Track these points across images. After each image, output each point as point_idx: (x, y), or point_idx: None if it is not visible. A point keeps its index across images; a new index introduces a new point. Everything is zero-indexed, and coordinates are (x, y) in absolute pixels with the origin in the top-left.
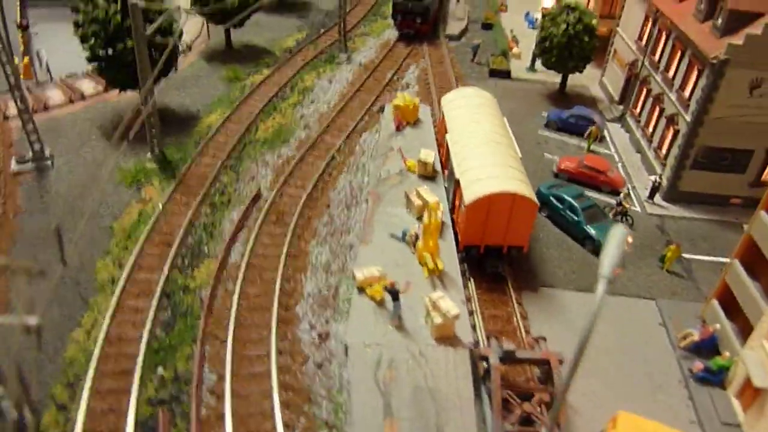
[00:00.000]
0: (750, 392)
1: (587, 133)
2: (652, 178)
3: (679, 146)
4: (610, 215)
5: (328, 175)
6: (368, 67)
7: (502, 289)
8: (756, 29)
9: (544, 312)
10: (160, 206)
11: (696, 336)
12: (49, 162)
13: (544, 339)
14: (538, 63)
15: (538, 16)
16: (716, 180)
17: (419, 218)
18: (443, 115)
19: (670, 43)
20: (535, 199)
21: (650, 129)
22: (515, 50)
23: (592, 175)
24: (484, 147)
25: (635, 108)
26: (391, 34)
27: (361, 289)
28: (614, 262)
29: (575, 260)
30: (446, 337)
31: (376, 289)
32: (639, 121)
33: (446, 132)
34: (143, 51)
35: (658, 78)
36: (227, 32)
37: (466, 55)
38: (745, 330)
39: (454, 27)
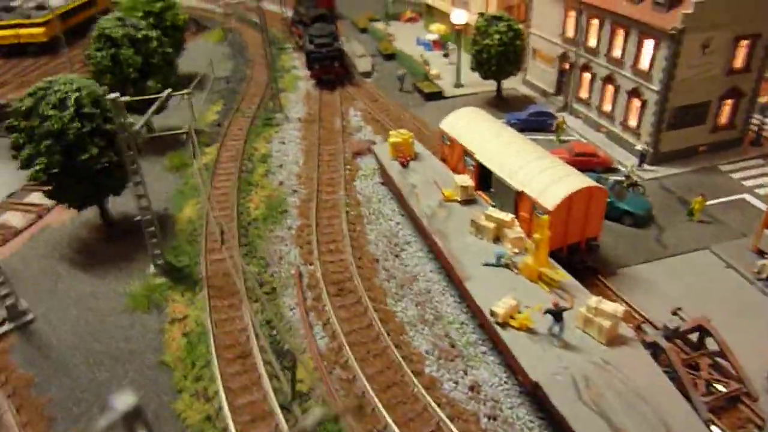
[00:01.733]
0: None
1: (555, 125)
2: (639, 147)
3: (654, 113)
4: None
5: (353, 231)
6: (309, 120)
7: (591, 282)
8: None
9: (636, 290)
10: (209, 321)
11: None
12: (29, 316)
13: (681, 309)
14: (466, 77)
15: (431, 37)
16: (685, 135)
17: (496, 240)
18: (453, 139)
19: (607, 28)
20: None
21: (609, 107)
22: (433, 72)
23: (586, 160)
24: (526, 155)
25: (579, 94)
26: (306, 85)
27: (504, 324)
28: None
29: (626, 237)
30: (614, 338)
31: (524, 317)
32: (589, 104)
33: (466, 153)
34: (133, 151)
35: (601, 61)
36: (149, 120)
37: (388, 88)
38: None
39: (362, 64)
